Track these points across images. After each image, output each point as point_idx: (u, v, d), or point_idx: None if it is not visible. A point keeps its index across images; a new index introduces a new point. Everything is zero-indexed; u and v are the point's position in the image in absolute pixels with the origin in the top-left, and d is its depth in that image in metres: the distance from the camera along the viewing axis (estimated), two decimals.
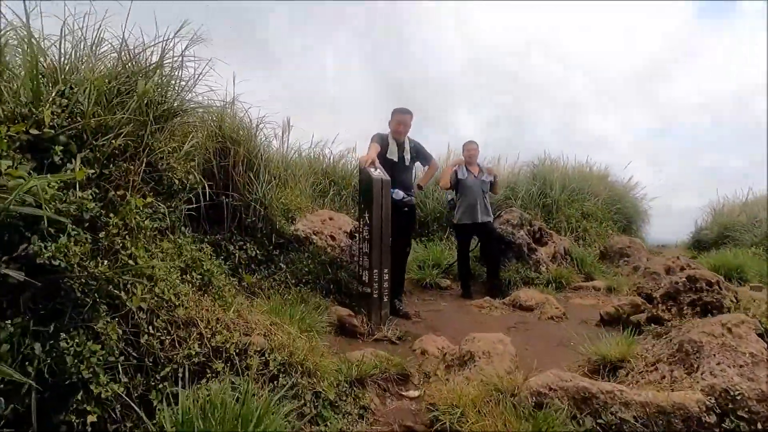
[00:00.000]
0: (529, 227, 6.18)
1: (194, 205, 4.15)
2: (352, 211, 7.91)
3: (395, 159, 4.40)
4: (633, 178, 11.37)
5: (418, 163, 4.77)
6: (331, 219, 5.34)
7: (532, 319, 4.49)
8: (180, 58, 3.24)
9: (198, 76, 3.37)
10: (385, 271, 3.74)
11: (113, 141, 2.50)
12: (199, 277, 2.72)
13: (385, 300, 3.75)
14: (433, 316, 4.64)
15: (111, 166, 2.54)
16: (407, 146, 4.50)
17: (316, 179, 7.38)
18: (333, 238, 4.85)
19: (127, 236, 2.14)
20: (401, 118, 4.38)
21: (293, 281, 4.37)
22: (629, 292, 4.65)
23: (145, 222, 2.28)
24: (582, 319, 4.46)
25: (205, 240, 4.07)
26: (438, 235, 8.13)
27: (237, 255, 4.19)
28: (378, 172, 3.76)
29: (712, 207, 12.60)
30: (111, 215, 2.14)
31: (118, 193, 2.34)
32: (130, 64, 3.07)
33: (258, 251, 4.33)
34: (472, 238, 5.57)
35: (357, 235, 3.87)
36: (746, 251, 7.77)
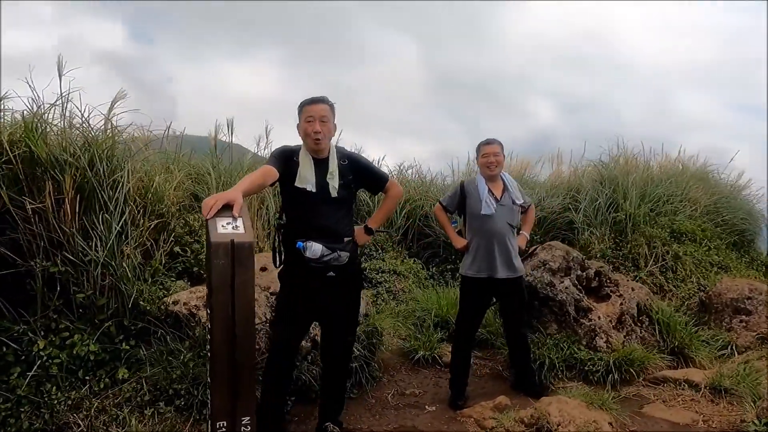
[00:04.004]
0: (579, 272, 4.12)
1: None
2: None
3: (311, 188, 2.61)
4: (745, 173, 8.62)
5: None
6: (263, 270, 3.67)
7: None
8: None
9: None
10: (244, 421, 1.99)
11: None
12: None
13: None
14: None
15: None
16: (334, 164, 2.69)
17: None
18: None
19: None
20: (310, 111, 2.59)
21: (151, 396, 2.74)
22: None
23: None
24: None
25: None
26: (447, 266, 6.24)
27: (47, 357, 2.63)
28: (226, 229, 2.01)
29: None
30: None
31: None
32: None
33: (92, 347, 2.73)
34: (488, 302, 3.60)
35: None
36: None
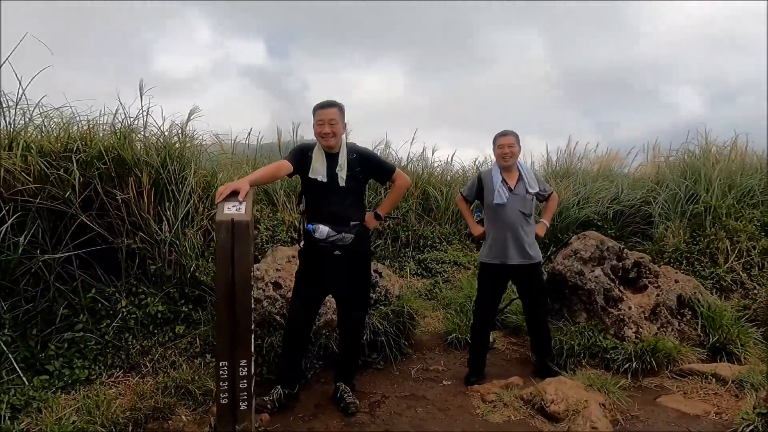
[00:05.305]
0: (615, 262, 4.06)
1: (88, 249, 3.53)
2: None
3: (322, 179, 3.06)
4: None
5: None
6: None
7: None
8: None
9: None
10: (242, 363, 2.49)
11: None
12: None
13: (243, 409, 2.50)
14: (398, 410, 3.18)
15: None
16: (343, 158, 3.10)
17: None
18: (278, 285, 3.72)
19: None
20: (321, 114, 3.02)
21: (199, 349, 3.40)
22: None
23: None
24: None
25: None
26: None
27: (127, 312, 3.39)
28: (230, 210, 2.52)
29: None
30: None
31: None
32: None
33: (160, 308, 3.46)
34: (502, 287, 3.75)
35: None
36: None
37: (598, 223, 6.71)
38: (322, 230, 3.00)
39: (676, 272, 4.21)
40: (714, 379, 3.28)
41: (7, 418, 2.45)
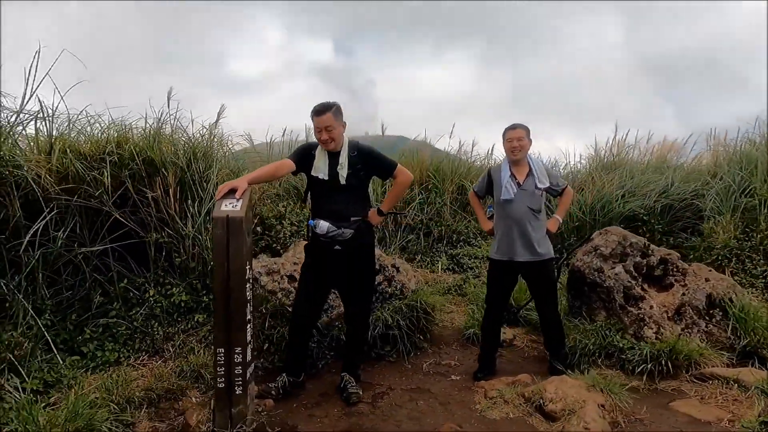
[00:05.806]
0: (639, 258, 3.87)
1: (122, 243, 3.86)
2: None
3: (323, 177, 3.18)
4: None
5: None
6: None
7: None
8: None
9: None
10: (237, 350, 2.66)
11: None
12: None
13: (239, 393, 2.67)
14: (400, 402, 3.25)
15: None
16: (344, 157, 3.19)
17: None
18: (293, 278, 3.88)
19: None
20: (317, 122, 3.11)
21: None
22: None
23: None
24: None
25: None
26: None
27: (154, 301, 3.69)
28: (227, 207, 2.69)
29: None
30: None
31: None
32: None
33: (184, 298, 3.73)
34: (509, 284, 3.69)
35: None
36: None
37: (644, 218, 6.36)
38: (323, 226, 3.11)
39: (709, 270, 3.94)
40: (736, 385, 3.08)
41: (29, 391, 2.76)
